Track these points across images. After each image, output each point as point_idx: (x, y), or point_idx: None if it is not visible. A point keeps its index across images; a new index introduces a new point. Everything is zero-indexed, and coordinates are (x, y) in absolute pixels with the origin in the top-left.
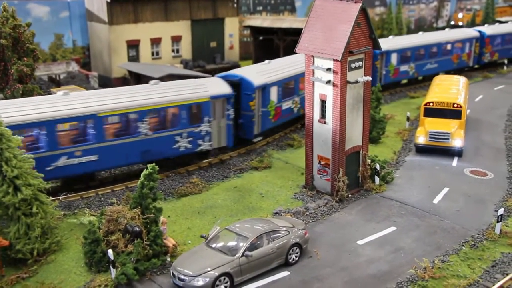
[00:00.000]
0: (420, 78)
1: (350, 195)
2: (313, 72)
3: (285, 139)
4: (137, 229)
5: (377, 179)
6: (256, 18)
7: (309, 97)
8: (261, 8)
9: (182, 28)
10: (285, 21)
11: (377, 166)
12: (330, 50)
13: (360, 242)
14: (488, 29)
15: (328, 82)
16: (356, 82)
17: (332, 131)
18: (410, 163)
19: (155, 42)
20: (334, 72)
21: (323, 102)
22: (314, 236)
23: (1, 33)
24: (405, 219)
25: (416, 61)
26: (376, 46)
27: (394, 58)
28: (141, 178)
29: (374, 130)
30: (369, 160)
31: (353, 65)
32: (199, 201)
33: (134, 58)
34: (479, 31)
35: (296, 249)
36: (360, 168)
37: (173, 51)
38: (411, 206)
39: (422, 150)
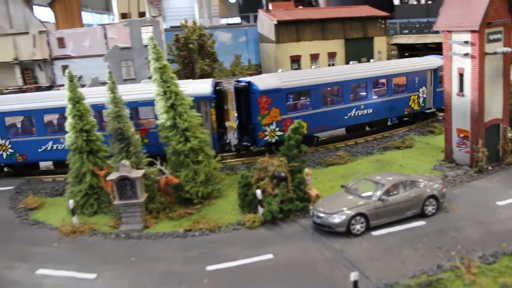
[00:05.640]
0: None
1: (490, 168)
2: (451, 48)
3: (426, 127)
4: (283, 174)
5: None
6: (402, 37)
7: (447, 72)
8: (407, 31)
9: (336, 45)
10: (428, 38)
11: None
12: (467, 23)
13: (500, 203)
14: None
15: (466, 55)
16: (495, 53)
17: (471, 102)
18: None
19: (314, 57)
20: (472, 44)
21: (461, 76)
22: (451, 197)
23: (190, 40)
24: None
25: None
26: None
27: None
28: (289, 132)
29: None
30: (510, 134)
31: (491, 37)
32: (343, 169)
33: None
34: None
35: (433, 201)
36: (501, 141)
37: (329, 65)
38: None
39: None
